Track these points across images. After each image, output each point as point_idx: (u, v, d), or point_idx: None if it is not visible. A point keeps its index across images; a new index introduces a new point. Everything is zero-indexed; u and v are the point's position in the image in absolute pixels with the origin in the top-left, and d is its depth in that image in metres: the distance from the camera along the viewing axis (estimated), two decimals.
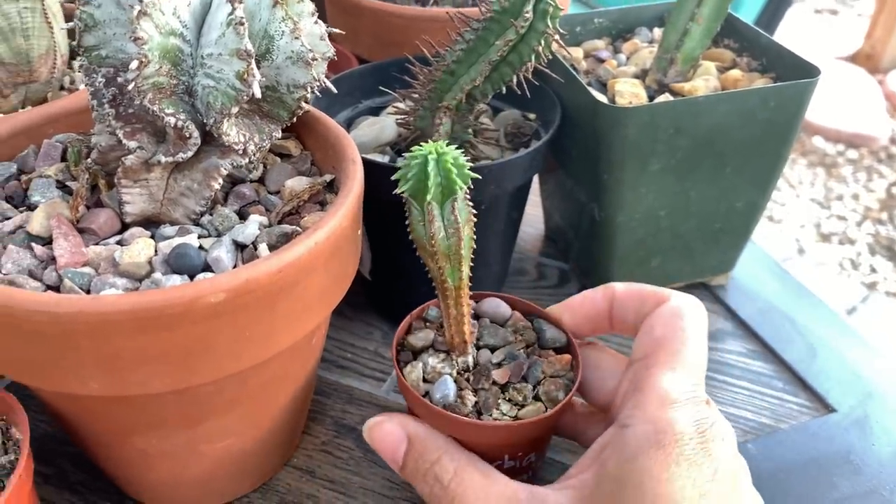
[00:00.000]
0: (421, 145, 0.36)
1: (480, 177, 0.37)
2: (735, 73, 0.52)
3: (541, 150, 0.48)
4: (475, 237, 0.38)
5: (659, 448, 0.32)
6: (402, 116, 0.50)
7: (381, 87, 0.53)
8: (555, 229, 0.64)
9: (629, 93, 0.50)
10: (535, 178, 0.56)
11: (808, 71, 0.50)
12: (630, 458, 0.33)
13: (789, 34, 2.95)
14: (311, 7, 0.39)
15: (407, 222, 0.37)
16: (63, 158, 0.41)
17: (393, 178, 0.36)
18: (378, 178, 0.41)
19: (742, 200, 0.53)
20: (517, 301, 0.45)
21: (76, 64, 0.53)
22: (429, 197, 0.35)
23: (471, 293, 0.44)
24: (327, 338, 0.53)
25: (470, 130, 0.49)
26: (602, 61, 0.56)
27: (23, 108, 0.49)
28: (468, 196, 0.37)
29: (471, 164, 0.36)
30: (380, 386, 0.50)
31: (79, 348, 0.30)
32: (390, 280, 0.54)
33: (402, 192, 0.36)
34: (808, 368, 0.52)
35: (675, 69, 0.52)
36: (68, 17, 0.53)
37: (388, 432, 0.38)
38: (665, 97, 0.50)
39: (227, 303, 0.31)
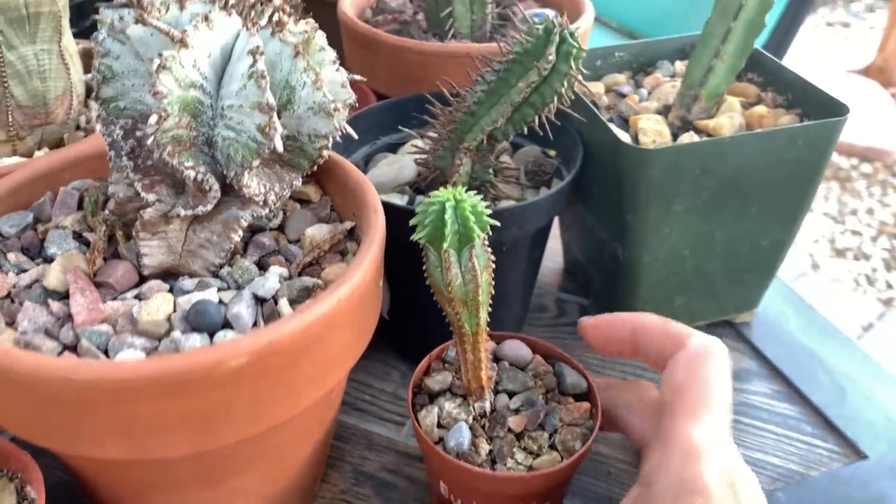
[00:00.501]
0: (440, 190, 0.35)
1: (499, 224, 0.36)
2: (760, 109, 0.51)
3: (563, 190, 0.47)
4: (493, 282, 0.38)
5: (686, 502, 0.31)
6: (422, 156, 0.49)
7: (399, 127, 0.52)
8: (574, 262, 0.63)
9: (652, 130, 0.50)
10: None
11: (835, 108, 0.49)
12: None
13: (801, 47, 2.94)
14: (333, 55, 0.38)
15: (424, 267, 0.37)
16: (80, 206, 0.40)
17: (410, 223, 0.35)
18: (396, 219, 0.40)
19: (768, 239, 0.52)
20: (538, 343, 0.44)
21: (93, 103, 0.52)
22: (445, 245, 0.35)
23: (492, 333, 0.43)
24: None
25: (490, 170, 0.49)
26: (624, 96, 0.55)
27: (39, 149, 0.48)
28: (486, 242, 0.36)
29: (489, 212, 0.36)
30: (399, 430, 0.49)
31: (97, 414, 0.30)
32: (409, 319, 0.53)
33: (419, 239, 0.35)
34: (838, 412, 0.51)
35: (698, 105, 0.51)
36: (86, 54, 0.52)
37: None
38: (689, 135, 0.49)
39: (249, 366, 0.30)
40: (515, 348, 0.43)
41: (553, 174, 0.52)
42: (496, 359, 0.43)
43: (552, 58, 0.43)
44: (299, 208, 0.42)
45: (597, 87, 0.55)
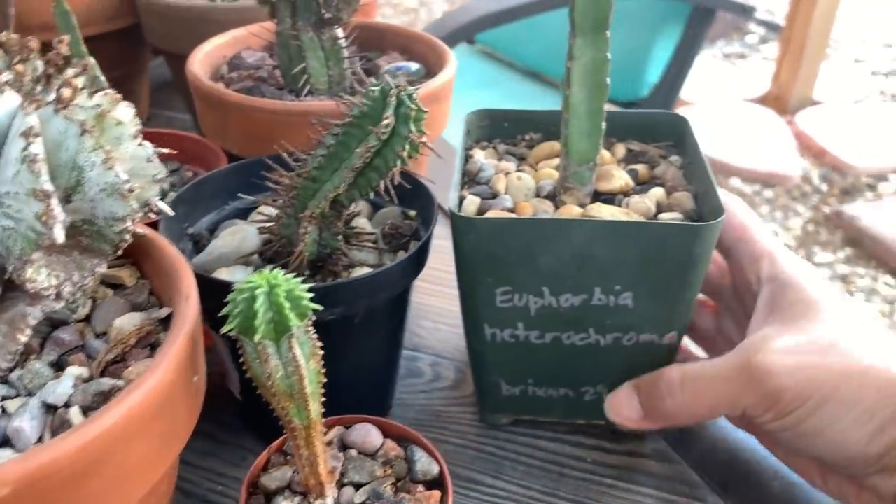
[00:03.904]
0: (253, 275, 0.32)
1: (322, 307, 0.33)
2: (604, 154, 0.50)
3: (415, 256, 0.45)
4: (324, 370, 0.35)
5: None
6: (266, 224, 0.46)
7: (239, 194, 0.49)
8: None
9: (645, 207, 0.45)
10: None
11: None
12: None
13: (700, 79, 3.04)
14: (133, 129, 0.34)
15: (241, 360, 0.33)
16: None
17: (220, 314, 0.32)
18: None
19: None
20: (392, 426, 0.41)
21: None
22: (257, 337, 0.31)
23: (341, 417, 0.41)
24: (193, 467, 0.48)
25: (339, 237, 0.46)
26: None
27: None
28: (309, 328, 0.33)
29: (311, 295, 0.32)
30: None
31: None
32: (263, 398, 0.49)
33: (229, 332, 0.32)
34: (717, 470, 0.49)
35: (595, 174, 0.48)
36: None
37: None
38: (640, 198, 0.46)
39: (15, 496, 0.26)
40: (363, 435, 0.40)
41: (412, 236, 0.49)
42: (344, 447, 0.40)
43: (390, 121, 0.40)
44: (111, 295, 0.38)
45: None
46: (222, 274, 0.44)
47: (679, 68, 1.81)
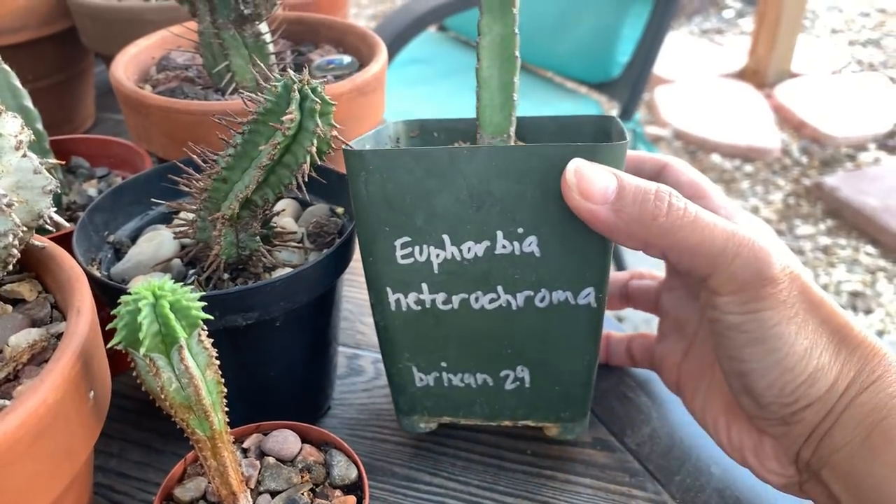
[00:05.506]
0: (139, 285, 0.31)
1: (213, 317, 0.32)
2: None
3: (335, 255, 0.44)
4: (223, 380, 0.33)
5: None
6: (181, 228, 0.45)
7: (153, 200, 0.48)
8: None
9: None
10: None
11: None
12: None
13: (677, 57, 3.03)
14: (15, 140, 0.33)
15: (134, 373, 0.32)
16: None
17: (107, 327, 0.31)
18: None
19: None
20: (311, 430, 0.40)
21: None
22: (142, 350, 0.30)
23: (260, 424, 0.40)
24: (127, 478, 0.48)
25: (257, 238, 0.45)
26: None
27: None
28: (202, 338, 0.32)
29: (204, 304, 0.31)
30: None
31: None
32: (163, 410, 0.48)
33: (116, 346, 0.31)
34: (657, 457, 0.48)
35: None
36: None
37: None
38: None
39: None
40: (280, 441, 0.39)
41: (337, 234, 0.48)
42: (262, 454, 0.39)
43: (293, 116, 0.39)
44: (10, 311, 0.37)
45: None
46: (139, 282, 0.43)
47: (650, 46, 1.78)
